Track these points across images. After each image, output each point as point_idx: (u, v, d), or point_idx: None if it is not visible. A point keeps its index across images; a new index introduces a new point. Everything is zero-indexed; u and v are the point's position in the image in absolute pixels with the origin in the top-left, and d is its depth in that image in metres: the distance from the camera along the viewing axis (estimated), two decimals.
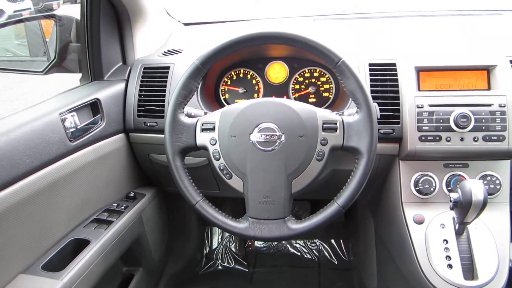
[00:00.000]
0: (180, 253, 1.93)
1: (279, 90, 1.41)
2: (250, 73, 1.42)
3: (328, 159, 1.00)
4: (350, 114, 1.03)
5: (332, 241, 2.09)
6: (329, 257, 2.05)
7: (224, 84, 1.44)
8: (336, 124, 0.99)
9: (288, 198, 0.99)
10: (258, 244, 2.16)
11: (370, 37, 1.49)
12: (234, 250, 2.12)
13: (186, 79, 1.04)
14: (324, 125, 0.99)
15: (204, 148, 1.04)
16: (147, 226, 1.49)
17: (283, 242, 2.13)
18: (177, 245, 1.88)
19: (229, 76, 1.44)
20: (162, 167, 1.42)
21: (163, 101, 1.33)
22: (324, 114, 1.01)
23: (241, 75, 1.43)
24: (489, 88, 1.19)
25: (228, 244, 2.14)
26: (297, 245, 2.11)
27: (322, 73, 1.39)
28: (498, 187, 1.18)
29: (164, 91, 1.34)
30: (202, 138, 1.04)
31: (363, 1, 2.01)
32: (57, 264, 1.09)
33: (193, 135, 1.04)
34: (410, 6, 1.84)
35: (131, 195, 1.42)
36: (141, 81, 1.37)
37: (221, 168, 1.02)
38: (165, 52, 1.48)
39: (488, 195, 1.16)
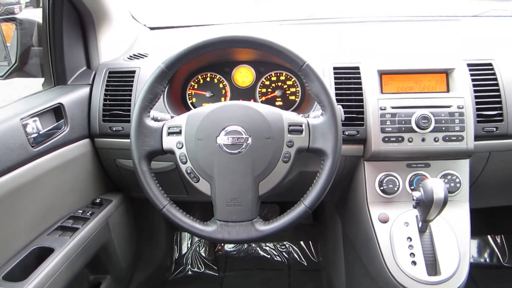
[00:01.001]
0: (149, 259, 1.91)
1: (246, 93, 1.41)
2: (217, 77, 1.43)
3: (294, 160, 1.01)
4: (316, 117, 1.05)
5: (301, 243, 2.11)
6: (298, 259, 2.07)
7: (191, 88, 1.43)
8: (301, 126, 1.01)
9: (255, 200, 1.00)
10: (228, 248, 2.15)
11: (335, 41, 1.52)
12: (204, 254, 2.11)
13: (151, 83, 1.03)
14: (290, 127, 1.01)
15: (171, 152, 1.04)
16: (114, 233, 1.46)
17: (253, 245, 2.14)
18: (146, 251, 1.86)
19: (196, 80, 1.43)
20: (128, 173, 1.40)
21: (129, 105, 1.31)
22: (289, 116, 1.02)
23: (208, 79, 1.43)
24: (448, 91, 1.24)
25: (197, 249, 2.13)
26: (267, 248, 2.12)
27: (288, 76, 1.41)
28: (458, 185, 1.22)
29: (130, 95, 1.32)
30: (169, 142, 1.03)
31: (329, 7, 2.05)
32: (19, 274, 1.05)
33: (159, 139, 1.04)
34: (374, 12, 1.89)
35: (97, 201, 1.40)
36: (106, 85, 1.35)
37: (188, 171, 1.02)
38: (130, 56, 1.46)
39: (449, 193, 1.21)
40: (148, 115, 1.05)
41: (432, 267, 1.12)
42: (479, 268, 2.02)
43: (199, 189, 1.02)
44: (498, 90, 1.25)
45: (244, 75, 1.42)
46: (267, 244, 2.14)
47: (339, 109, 1.04)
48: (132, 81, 1.34)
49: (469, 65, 1.27)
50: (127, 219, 1.58)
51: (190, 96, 1.44)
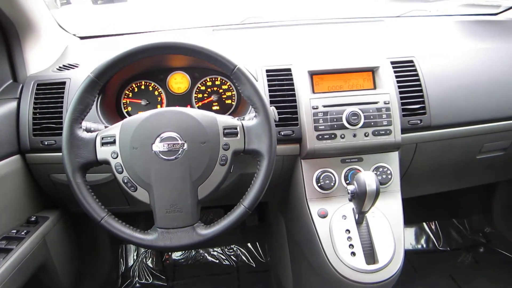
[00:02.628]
0: (94, 275, 1.85)
1: (182, 100, 1.41)
2: (152, 85, 1.41)
3: (231, 163, 1.03)
4: (250, 119, 1.07)
5: (249, 244, 2.14)
6: (247, 261, 2.09)
7: (126, 96, 1.41)
8: (236, 129, 1.03)
9: (195, 205, 1.00)
10: (175, 256, 2.13)
11: (268, 45, 1.56)
12: (151, 265, 2.07)
13: (81, 93, 1.01)
14: (225, 131, 1.02)
15: (106, 163, 1.02)
16: (54, 251, 1.40)
17: (201, 251, 2.13)
18: (90, 267, 1.80)
19: (131, 89, 1.41)
20: (65, 187, 1.35)
21: (61, 118, 1.27)
22: (224, 120, 1.04)
23: (143, 87, 1.41)
24: (375, 88, 1.30)
25: (144, 260, 2.09)
26: (215, 253, 2.13)
27: (223, 81, 1.42)
28: (389, 176, 1.29)
29: (61, 107, 1.28)
30: (103, 153, 1.01)
31: (262, 12, 2.10)
32: None
33: (93, 150, 1.01)
34: (304, 15, 1.96)
35: (32, 219, 1.34)
36: (35, 98, 1.30)
37: (125, 181, 1.00)
38: (60, 67, 1.42)
39: (381, 184, 1.28)
40: (80, 126, 1.03)
41: (370, 256, 1.17)
42: (417, 254, 2.14)
43: (137, 198, 1.01)
44: (420, 85, 1.34)
45: (179, 82, 1.42)
46: (215, 249, 2.14)
47: (272, 110, 1.08)
48: (63, 92, 1.30)
49: (392, 62, 1.35)
50: (67, 236, 1.52)
51: (125, 105, 1.41)
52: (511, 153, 1.58)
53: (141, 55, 1.03)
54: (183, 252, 2.13)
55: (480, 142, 1.47)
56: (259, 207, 2.12)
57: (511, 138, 1.50)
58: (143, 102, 1.40)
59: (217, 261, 2.10)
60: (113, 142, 1.01)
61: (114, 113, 1.39)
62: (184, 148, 0.99)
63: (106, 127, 1.11)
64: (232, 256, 2.11)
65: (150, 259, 2.09)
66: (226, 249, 2.14)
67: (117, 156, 1.01)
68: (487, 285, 1.90)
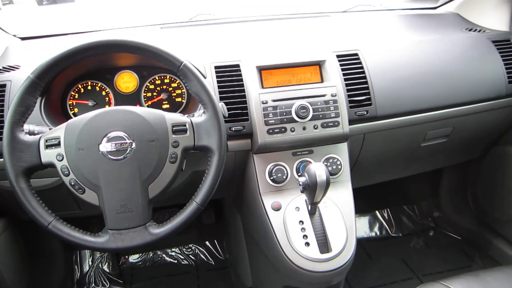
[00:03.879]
0: (47, 284, 1.79)
1: (131, 99, 1.39)
2: (99, 85, 1.38)
3: (182, 160, 1.02)
4: (199, 115, 1.07)
5: (207, 243, 2.13)
6: (205, 259, 2.09)
7: (72, 98, 1.37)
8: (185, 125, 1.02)
9: (146, 204, 0.99)
10: (132, 259, 2.10)
11: (216, 41, 1.56)
12: (107, 270, 2.02)
13: (21, 95, 0.97)
14: (174, 128, 1.01)
15: (51, 166, 0.99)
16: (1, 260, 1.35)
17: (158, 252, 2.11)
18: (43, 275, 1.74)
19: (77, 89, 1.37)
20: (9, 194, 1.29)
21: (2, 121, 1.22)
22: (172, 117, 1.03)
23: (89, 87, 1.38)
24: (322, 81, 1.33)
25: (100, 265, 2.04)
26: (173, 253, 2.11)
27: (172, 79, 1.41)
28: (339, 167, 1.32)
29: (1, 111, 1.23)
30: (48, 155, 0.98)
31: (210, 9, 2.09)
32: None
33: (36, 153, 0.98)
34: (252, 12, 1.97)
35: None
36: None
37: (72, 183, 0.98)
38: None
39: (332, 175, 1.31)
40: (21, 129, 0.99)
41: (324, 245, 1.20)
42: (371, 241, 2.21)
43: (86, 201, 0.99)
44: (365, 78, 1.38)
45: (127, 81, 1.39)
46: (173, 249, 2.12)
47: (221, 105, 1.08)
48: (3, 95, 1.24)
49: (338, 56, 1.39)
50: (14, 245, 1.47)
51: (71, 107, 1.37)
52: (453, 140, 1.66)
53: (83, 54, 1.00)
54: (140, 254, 2.10)
55: (423, 130, 1.53)
56: (215, 204, 2.15)
57: (452, 125, 1.58)
58: (90, 103, 1.36)
59: (176, 261, 2.08)
60: (58, 144, 0.98)
61: (59, 115, 1.35)
62: (132, 147, 0.98)
63: (51, 129, 1.08)
64: (190, 256, 2.10)
65: (106, 263, 2.04)
66: (184, 249, 2.12)
67: (62, 159, 0.98)
68: (437, 266, 1.99)
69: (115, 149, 0.97)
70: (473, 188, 2.12)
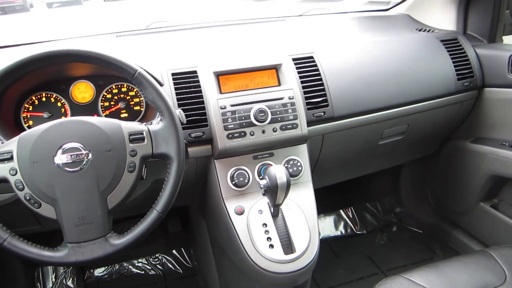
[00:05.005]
0: None
1: (87, 110, 1.36)
2: (54, 96, 1.35)
3: (140, 169, 1.01)
4: (157, 123, 1.06)
5: (174, 251, 2.11)
6: (173, 268, 2.06)
7: (26, 110, 1.33)
8: (142, 134, 1.02)
9: (106, 215, 0.98)
10: (98, 272, 2.05)
11: (173, 48, 1.55)
12: (72, 285, 1.97)
13: None
14: (131, 137, 1.01)
15: (4, 181, 0.96)
16: None
17: (125, 264, 2.07)
18: None
19: (30, 102, 1.34)
20: None
21: None
22: (129, 125, 1.02)
23: (44, 99, 1.34)
24: (279, 84, 1.35)
25: (64, 280, 1.98)
26: (140, 264, 2.07)
27: (130, 87, 1.39)
28: (300, 168, 1.34)
29: None
30: (0, 170, 0.95)
31: (166, 17, 2.08)
32: None
33: None
34: (209, 18, 1.97)
35: None
36: None
37: (27, 198, 0.95)
38: None
39: (293, 176, 1.33)
40: None
41: (288, 246, 1.21)
42: (337, 240, 2.25)
43: (43, 215, 0.97)
44: (321, 80, 1.41)
45: (83, 91, 1.37)
46: (139, 260, 2.08)
47: (179, 112, 1.08)
48: None
49: (294, 59, 1.41)
50: None
51: (25, 119, 1.33)
52: (409, 137, 1.72)
53: (34, 65, 0.98)
54: (106, 267, 2.06)
55: (380, 128, 1.58)
56: (181, 212, 2.13)
57: (407, 123, 1.63)
58: (45, 115, 1.33)
59: (143, 272, 2.05)
60: (11, 158, 0.96)
61: (13, 128, 1.31)
62: (88, 158, 0.96)
63: (3, 143, 1.05)
64: (158, 265, 2.07)
65: (71, 279, 1.99)
66: (151, 259, 2.09)
67: (16, 173, 0.95)
68: (401, 260, 2.05)
69: (71, 161, 0.95)
70: (431, 182, 2.19)
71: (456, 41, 1.73)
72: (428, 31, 1.79)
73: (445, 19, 1.88)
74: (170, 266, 2.07)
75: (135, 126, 1.03)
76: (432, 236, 2.19)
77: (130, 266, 2.07)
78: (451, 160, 1.94)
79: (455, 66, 1.65)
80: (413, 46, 1.66)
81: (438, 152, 2.03)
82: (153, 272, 2.05)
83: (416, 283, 1.18)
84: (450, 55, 1.67)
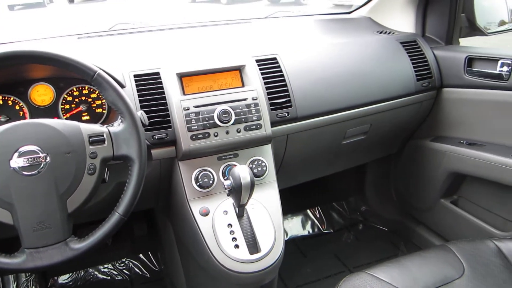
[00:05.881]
0: None
1: (47, 113, 1.33)
2: (11, 99, 1.31)
3: (101, 172, 1.00)
4: (118, 124, 1.05)
5: (141, 255, 2.08)
6: (140, 273, 2.04)
7: None
8: (103, 135, 1.00)
9: (65, 219, 0.96)
10: (62, 280, 2.00)
11: (136, 50, 1.54)
12: None
13: None
14: (91, 139, 0.99)
15: None
16: None
17: (90, 270, 2.02)
18: None
19: None
20: None
21: None
22: (88, 127, 1.01)
23: (1, 102, 1.31)
24: (243, 85, 1.36)
25: None
26: (106, 269, 2.03)
27: (92, 89, 1.37)
28: (264, 168, 1.35)
29: None
30: None
31: (129, 18, 2.06)
32: None
33: None
34: (173, 20, 1.97)
35: None
36: None
37: None
38: None
39: (258, 176, 1.34)
40: None
41: (253, 246, 1.22)
42: (304, 240, 2.28)
43: None
44: (284, 80, 1.43)
45: (42, 94, 1.34)
46: (105, 265, 2.04)
47: (141, 114, 1.07)
48: None
49: (257, 61, 1.42)
50: None
51: None
52: (372, 136, 1.76)
53: None
54: (70, 273, 2.01)
55: (343, 128, 1.61)
56: (147, 215, 2.11)
57: (369, 122, 1.67)
58: (2, 119, 1.29)
59: (109, 277, 2.02)
60: None
61: None
62: (47, 161, 0.94)
63: None
64: (124, 270, 2.04)
65: (33, 287, 1.93)
66: (117, 264, 2.06)
67: None
68: (367, 257, 2.09)
69: (28, 164, 0.93)
70: (394, 181, 2.25)
71: (415, 43, 1.79)
72: (389, 33, 1.84)
73: (404, 22, 1.94)
74: (137, 270, 2.05)
75: (95, 128, 1.01)
76: (396, 233, 2.25)
77: (96, 272, 2.03)
78: (413, 159, 1.99)
79: (414, 67, 1.71)
80: (374, 48, 1.71)
81: (401, 151, 2.09)
82: (119, 277, 2.02)
83: (379, 278, 1.21)
84: (409, 56, 1.72)
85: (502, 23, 1.95)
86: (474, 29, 1.83)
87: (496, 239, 1.33)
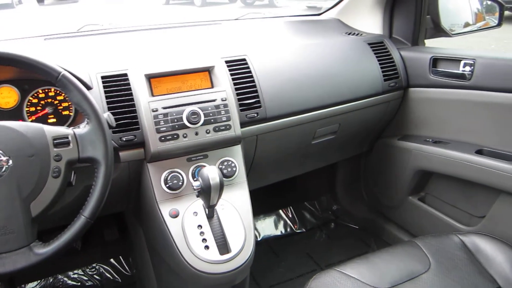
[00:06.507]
0: None
1: (12, 115, 1.30)
2: None
3: (66, 174, 0.98)
4: (84, 126, 1.04)
5: (112, 260, 2.05)
6: (111, 278, 2.01)
7: None
8: (68, 137, 0.99)
9: (29, 223, 0.94)
10: (30, 287, 1.95)
11: (104, 51, 1.52)
12: None
13: None
14: (55, 141, 0.97)
15: None
16: None
17: (59, 276, 1.98)
18: None
19: None
20: None
21: None
22: (53, 129, 0.99)
23: None
24: (212, 86, 1.36)
25: None
26: (76, 276, 1.99)
27: (58, 92, 1.34)
28: (234, 169, 1.35)
29: None
30: None
31: (98, 20, 2.03)
32: None
33: None
34: (143, 21, 1.95)
35: None
36: None
37: None
38: None
39: (228, 177, 1.34)
40: None
41: (224, 247, 1.22)
42: (277, 240, 2.29)
43: None
44: (253, 81, 1.44)
45: (6, 96, 1.30)
46: (75, 271, 2.00)
47: (107, 115, 1.06)
48: None
49: (226, 62, 1.43)
50: None
51: None
52: (341, 136, 1.79)
53: None
54: (39, 281, 1.96)
55: (312, 128, 1.63)
56: (117, 219, 2.08)
57: (338, 122, 1.70)
58: None
59: (79, 283, 1.98)
60: None
61: None
62: (8, 164, 0.92)
63: None
64: (95, 276, 2.01)
65: None
66: (88, 269, 2.02)
67: None
68: (339, 256, 2.11)
69: None
70: (365, 179, 2.29)
71: (382, 44, 1.82)
72: (357, 34, 1.87)
73: (372, 24, 1.98)
74: (108, 275, 2.01)
75: (59, 130, 1.00)
76: (367, 230, 2.28)
77: (65, 278, 1.99)
78: (382, 158, 2.03)
79: (381, 68, 1.74)
80: (343, 49, 1.74)
81: (370, 150, 2.12)
82: (90, 283, 1.99)
83: (348, 275, 1.23)
84: (377, 57, 1.76)
85: (467, 24, 2.02)
86: (439, 30, 1.89)
87: (461, 234, 1.38)
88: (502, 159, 1.48)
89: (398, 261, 1.30)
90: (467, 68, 1.59)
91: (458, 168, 1.62)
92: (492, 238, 1.34)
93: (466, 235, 1.37)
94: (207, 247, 1.21)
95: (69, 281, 1.98)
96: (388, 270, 1.26)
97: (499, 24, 1.95)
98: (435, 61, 1.72)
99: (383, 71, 1.74)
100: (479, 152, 1.57)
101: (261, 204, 2.36)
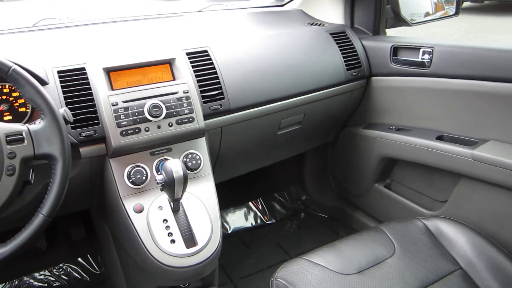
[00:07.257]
0: None
1: None
2: None
3: (22, 172, 0.95)
4: (39, 122, 1.01)
5: (80, 259, 2.01)
6: (80, 277, 1.97)
7: None
8: (21, 134, 0.96)
9: None
10: None
11: (61, 46, 1.48)
12: None
13: None
14: (8, 138, 0.94)
15: None
16: None
17: (25, 278, 1.93)
18: None
19: None
20: None
21: None
22: (5, 126, 0.96)
23: None
24: (174, 79, 1.34)
25: None
26: (42, 277, 1.94)
27: (13, 88, 1.30)
28: (199, 162, 1.34)
29: None
30: None
31: (55, 13, 1.97)
32: None
33: None
34: (101, 14, 1.90)
35: None
36: None
37: None
38: None
39: (193, 170, 1.33)
40: None
41: (190, 240, 1.21)
42: (248, 231, 2.29)
43: None
44: (216, 73, 1.43)
45: None
46: (41, 272, 1.95)
47: (64, 110, 1.03)
48: None
49: (188, 54, 1.41)
50: None
51: None
52: (307, 126, 1.80)
53: None
54: (3, 284, 1.90)
55: (277, 119, 1.64)
56: (83, 217, 2.04)
57: (303, 112, 1.71)
58: None
59: (46, 285, 1.93)
60: None
61: None
62: None
63: None
64: (62, 276, 1.96)
65: None
66: (55, 269, 1.97)
67: None
68: (308, 245, 2.13)
69: None
70: (332, 168, 2.32)
71: (344, 34, 1.84)
72: (319, 25, 1.88)
73: (334, 14, 2.00)
74: (76, 275, 1.97)
75: (12, 126, 0.97)
76: (336, 219, 2.32)
77: (31, 280, 1.93)
78: (348, 146, 2.06)
79: (344, 57, 1.76)
80: (305, 39, 1.75)
81: (336, 139, 2.15)
82: (57, 284, 1.94)
83: (315, 263, 1.25)
84: (339, 47, 1.78)
85: (427, 14, 2.06)
86: (399, 20, 1.92)
87: (424, 218, 1.41)
88: (461, 144, 1.53)
89: (364, 247, 1.32)
90: (426, 56, 1.63)
91: (420, 154, 1.66)
92: (454, 222, 1.38)
93: (429, 220, 1.40)
94: (173, 241, 1.20)
95: (36, 283, 1.93)
96: (354, 256, 1.28)
97: (456, 13, 2.00)
98: (395, 50, 1.75)
99: (345, 61, 1.76)
100: (440, 138, 1.62)
101: (231, 197, 2.36)
